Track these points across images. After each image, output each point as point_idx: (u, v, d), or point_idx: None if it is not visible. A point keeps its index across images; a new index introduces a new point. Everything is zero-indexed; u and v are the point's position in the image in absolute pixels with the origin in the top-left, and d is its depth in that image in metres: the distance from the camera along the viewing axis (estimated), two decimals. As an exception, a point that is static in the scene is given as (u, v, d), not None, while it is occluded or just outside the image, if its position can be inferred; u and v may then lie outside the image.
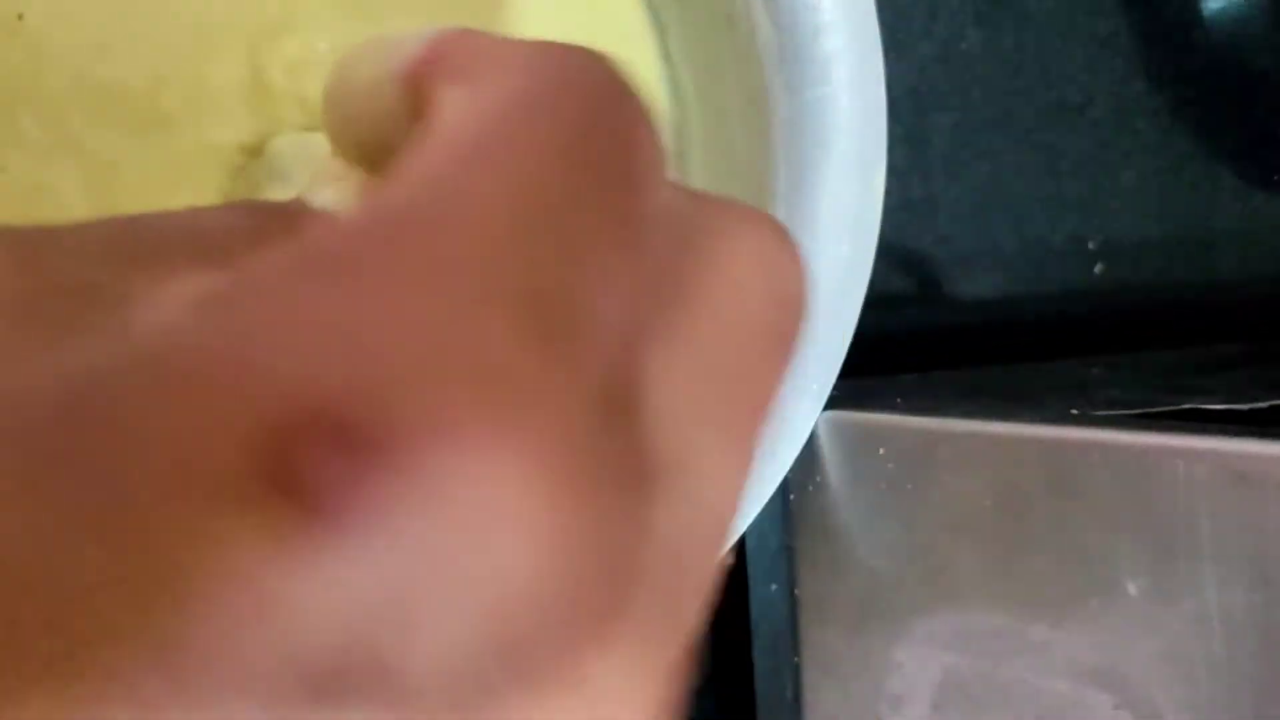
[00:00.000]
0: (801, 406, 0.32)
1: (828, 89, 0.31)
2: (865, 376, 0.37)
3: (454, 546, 0.08)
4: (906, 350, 0.44)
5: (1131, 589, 0.26)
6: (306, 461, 0.08)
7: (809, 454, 0.34)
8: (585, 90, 0.12)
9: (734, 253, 0.12)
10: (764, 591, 0.35)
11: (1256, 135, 0.50)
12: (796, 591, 0.33)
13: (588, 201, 0.10)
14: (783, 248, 0.13)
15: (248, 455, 0.08)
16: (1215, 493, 0.25)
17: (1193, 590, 0.26)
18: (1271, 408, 0.30)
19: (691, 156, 0.38)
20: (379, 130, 0.14)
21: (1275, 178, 0.50)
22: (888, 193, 0.45)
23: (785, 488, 0.35)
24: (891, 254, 0.45)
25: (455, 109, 0.12)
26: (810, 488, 0.33)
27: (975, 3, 0.45)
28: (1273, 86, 0.50)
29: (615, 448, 0.10)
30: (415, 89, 0.13)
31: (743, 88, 0.34)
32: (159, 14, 0.34)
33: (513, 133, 0.11)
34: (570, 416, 0.09)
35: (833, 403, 0.32)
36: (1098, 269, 0.47)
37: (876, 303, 0.45)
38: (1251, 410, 0.29)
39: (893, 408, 0.32)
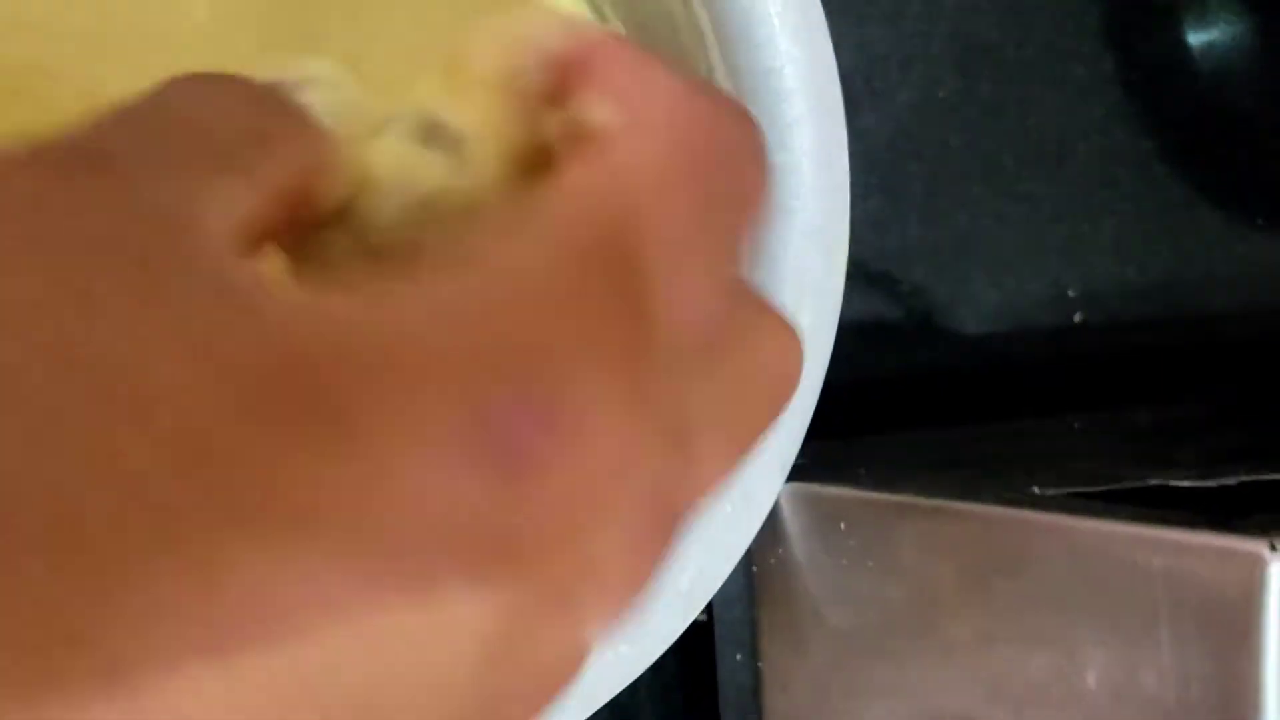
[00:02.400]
0: (765, 479, 0.31)
1: (789, 157, 0.31)
2: (836, 438, 0.37)
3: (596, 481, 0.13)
4: (882, 400, 0.44)
5: (1091, 680, 0.26)
6: (515, 426, 0.12)
7: (773, 526, 0.33)
8: (727, 155, 0.16)
9: (767, 343, 0.17)
10: (730, 660, 0.34)
11: (1240, 179, 0.49)
12: (760, 663, 0.33)
13: (709, 261, 0.15)
14: (795, 348, 0.18)
15: (471, 420, 0.12)
16: (1172, 585, 0.24)
17: (1152, 682, 0.25)
18: (1240, 485, 0.29)
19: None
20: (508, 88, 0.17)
21: (1259, 221, 0.50)
22: (865, 242, 0.45)
23: (749, 559, 0.34)
24: (867, 303, 0.45)
25: (625, 150, 0.15)
26: (773, 560, 0.32)
27: (953, 51, 0.44)
28: (1256, 130, 0.50)
29: (668, 423, 0.14)
30: (564, 82, 0.16)
31: (707, 150, 0.33)
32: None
33: (670, 191, 0.15)
34: (649, 412, 0.13)
35: (797, 472, 0.32)
36: (1077, 317, 0.47)
37: (852, 352, 0.44)
38: (1219, 487, 0.29)
39: (856, 480, 0.31)
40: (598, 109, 0.16)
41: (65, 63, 0.34)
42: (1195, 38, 0.49)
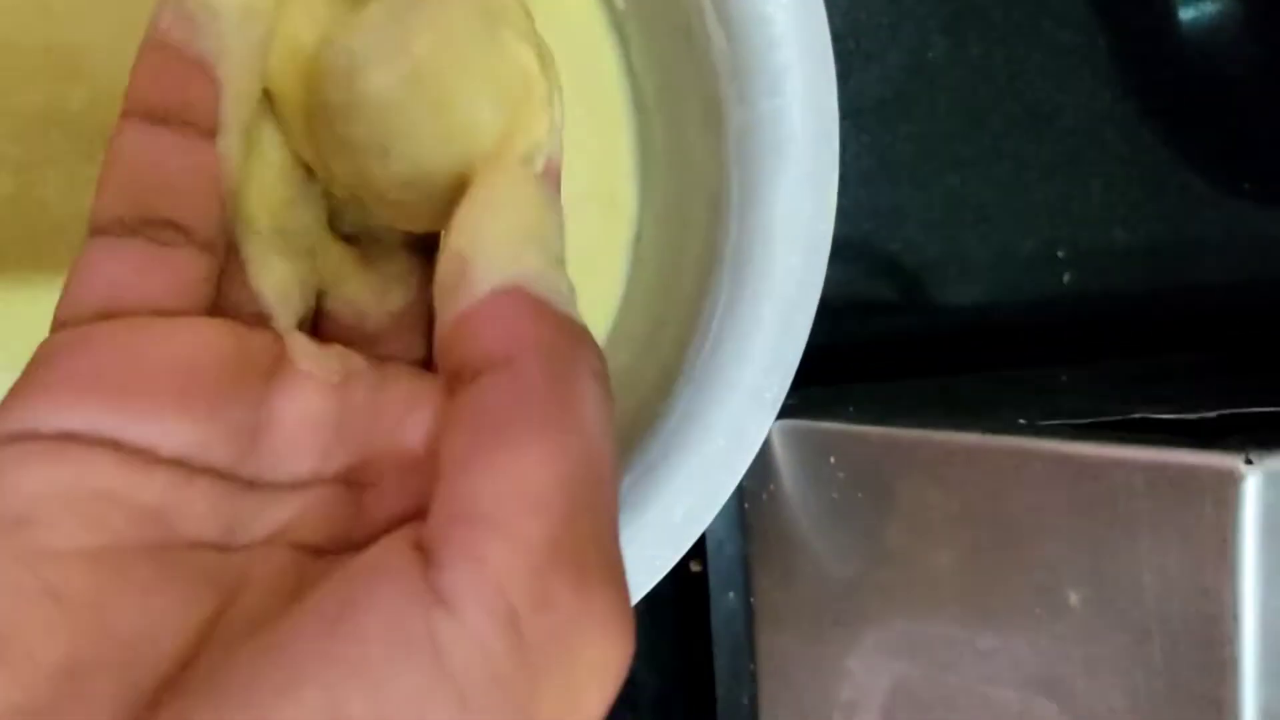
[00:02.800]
0: (756, 415, 0.32)
1: (780, 101, 0.32)
2: (827, 385, 0.37)
3: None
4: (873, 358, 0.45)
5: (1073, 599, 0.26)
6: None
7: (763, 462, 0.34)
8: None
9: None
10: (723, 599, 0.35)
11: (1226, 144, 0.50)
12: (752, 600, 0.33)
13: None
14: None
15: None
16: (1153, 503, 0.25)
17: (1132, 601, 0.26)
18: (1219, 417, 0.30)
19: (654, 167, 0.39)
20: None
21: (1245, 186, 0.50)
22: (857, 202, 0.45)
23: (741, 496, 0.35)
24: (859, 262, 0.45)
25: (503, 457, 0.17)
26: (764, 496, 0.33)
27: (941, 13, 0.45)
28: (1243, 95, 0.50)
29: None
30: (460, 339, 0.19)
31: (700, 99, 0.34)
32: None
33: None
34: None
35: (787, 411, 0.32)
36: (1066, 278, 0.47)
37: (844, 310, 0.45)
38: (1199, 419, 0.30)
39: (845, 416, 0.32)
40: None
41: (85, 47, 0.35)
42: (1184, 11, 0.50)
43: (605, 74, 0.39)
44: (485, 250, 0.19)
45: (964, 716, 0.29)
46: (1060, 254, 0.47)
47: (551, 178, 0.22)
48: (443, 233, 0.21)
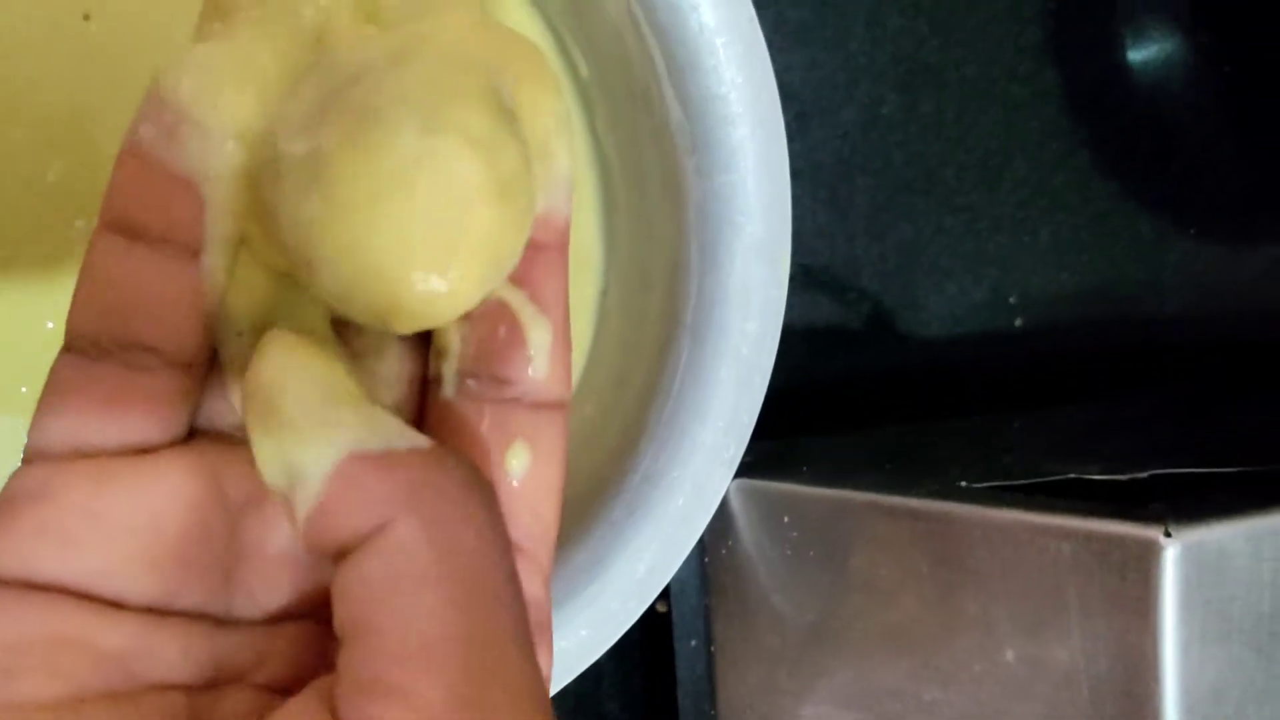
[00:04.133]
0: (715, 474, 0.33)
1: (735, 175, 0.33)
2: (782, 438, 0.39)
3: None
4: (830, 407, 0.46)
5: (1010, 656, 0.28)
6: None
7: (722, 519, 0.35)
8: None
9: None
10: (686, 646, 0.36)
11: (1173, 190, 0.52)
12: (713, 648, 0.35)
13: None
14: None
15: None
16: (1081, 570, 0.27)
17: (1064, 660, 0.27)
18: (1151, 478, 0.32)
19: (618, 225, 0.40)
20: None
21: (1192, 231, 0.52)
22: (813, 252, 0.47)
23: (701, 549, 0.36)
24: (817, 312, 0.47)
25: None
26: (723, 550, 0.34)
27: (894, 72, 0.47)
28: (1188, 143, 0.52)
29: None
30: (326, 532, 0.18)
31: (660, 167, 0.36)
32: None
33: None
34: None
35: (744, 469, 0.34)
36: (1018, 322, 0.49)
37: (802, 360, 0.47)
38: (1131, 480, 0.31)
39: (798, 476, 0.33)
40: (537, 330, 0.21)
41: (53, 82, 0.36)
42: (1133, 55, 0.51)
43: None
44: (298, 438, 0.18)
45: (910, 764, 0.31)
46: (1011, 300, 0.49)
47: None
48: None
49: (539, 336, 0.20)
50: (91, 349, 0.18)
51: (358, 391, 0.18)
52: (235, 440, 0.20)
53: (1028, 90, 0.49)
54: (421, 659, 0.16)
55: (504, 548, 0.17)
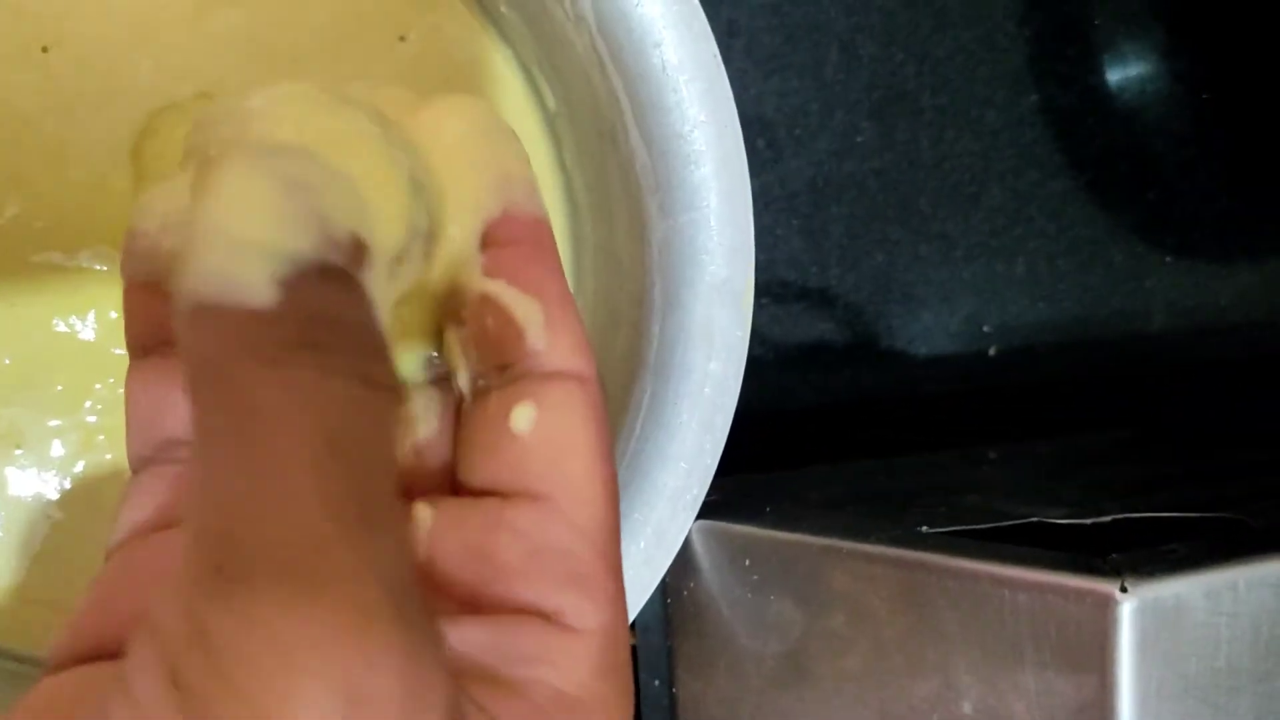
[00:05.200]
0: (677, 516, 0.33)
1: (697, 214, 0.33)
2: (750, 472, 0.39)
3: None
4: (801, 438, 0.46)
5: (967, 708, 0.28)
6: None
7: (686, 559, 0.35)
8: None
9: None
10: (649, 686, 0.36)
11: (1148, 218, 0.52)
12: (675, 689, 0.35)
13: None
14: None
15: None
16: (1037, 622, 0.27)
17: (1020, 710, 0.27)
18: (1114, 523, 0.31)
19: (585, 260, 0.40)
20: None
21: (1168, 259, 0.52)
22: (787, 281, 0.47)
23: (664, 591, 0.36)
24: (791, 340, 0.47)
25: None
26: (685, 592, 0.34)
27: (870, 100, 0.46)
28: (1163, 170, 0.52)
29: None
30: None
31: (626, 203, 0.35)
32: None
33: None
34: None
35: (708, 508, 0.33)
36: (992, 351, 0.49)
37: (776, 390, 0.46)
38: (1094, 525, 0.31)
39: (760, 518, 0.33)
40: (523, 307, 0.20)
41: (10, 115, 0.36)
42: (1110, 82, 0.51)
43: (537, 168, 0.40)
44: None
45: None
46: (986, 329, 0.49)
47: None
48: None
49: (526, 313, 0.20)
50: (148, 463, 0.20)
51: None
52: None
53: (1003, 118, 0.49)
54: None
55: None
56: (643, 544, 0.33)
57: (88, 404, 0.37)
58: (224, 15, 0.37)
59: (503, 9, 0.38)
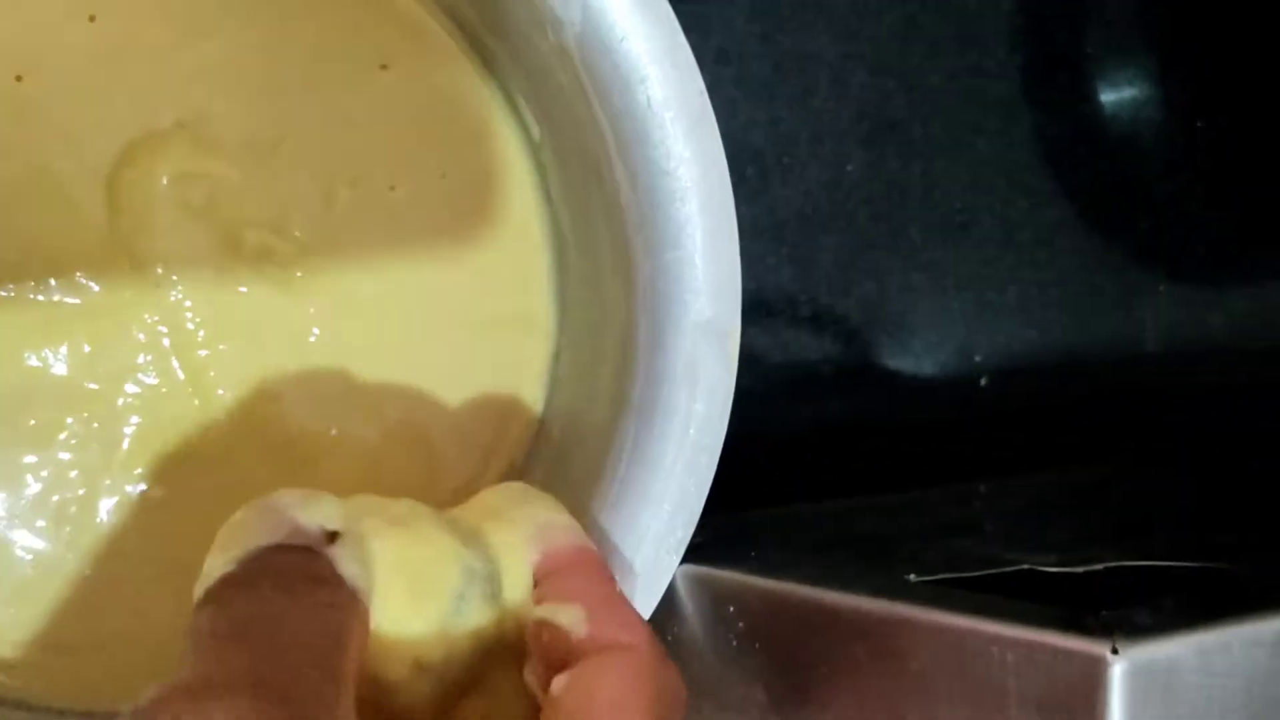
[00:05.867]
0: (661, 560, 0.33)
1: (682, 253, 0.32)
2: (737, 510, 0.38)
3: None
4: (791, 471, 0.45)
5: (952, 767, 0.27)
6: None
7: (670, 604, 0.34)
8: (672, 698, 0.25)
9: None
10: (632, 730, 0.35)
11: (1140, 246, 0.51)
12: (659, 736, 0.34)
13: None
14: None
15: None
16: (1024, 681, 0.26)
17: (1008, 770, 0.26)
18: (1106, 570, 0.31)
19: (570, 292, 0.39)
20: None
21: (1161, 288, 0.52)
22: (777, 311, 0.46)
23: (648, 634, 0.35)
24: (781, 372, 0.46)
25: (596, 672, 0.24)
26: (669, 637, 0.33)
27: (860, 129, 0.46)
28: (1156, 198, 0.52)
29: None
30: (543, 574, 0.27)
31: (610, 239, 0.35)
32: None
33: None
34: None
35: (693, 551, 0.33)
36: (984, 382, 0.48)
37: (766, 421, 0.46)
38: (1086, 573, 0.31)
39: (745, 563, 0.33)
40: (566, 614, 0.25)
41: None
42: (1101, 109, 0.51)
43: (523, 198, 0.39)
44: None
45: None
46: (978, 358, 0.48)
47: None
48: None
49: (570, 618, 0.25)
50: None
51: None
52: None
53: (994, 146, 0.48)
54: None
55: None
56: (626, 588, 0.32)
57: (61, 438, 0.36)
58: (203, 45, 0.36)
59: (487, 40, 0.37)
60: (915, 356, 0.47)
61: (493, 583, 0.26)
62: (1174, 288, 0.51)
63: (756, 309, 0.44)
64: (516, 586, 0.26)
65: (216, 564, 0.23)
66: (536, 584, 0.26)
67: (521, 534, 0.27)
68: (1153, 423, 0.50)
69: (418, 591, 0.24)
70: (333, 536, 0.24)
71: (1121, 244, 0.51)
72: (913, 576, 0.30)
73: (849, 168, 0.46)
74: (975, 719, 0.27)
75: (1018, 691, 0.26)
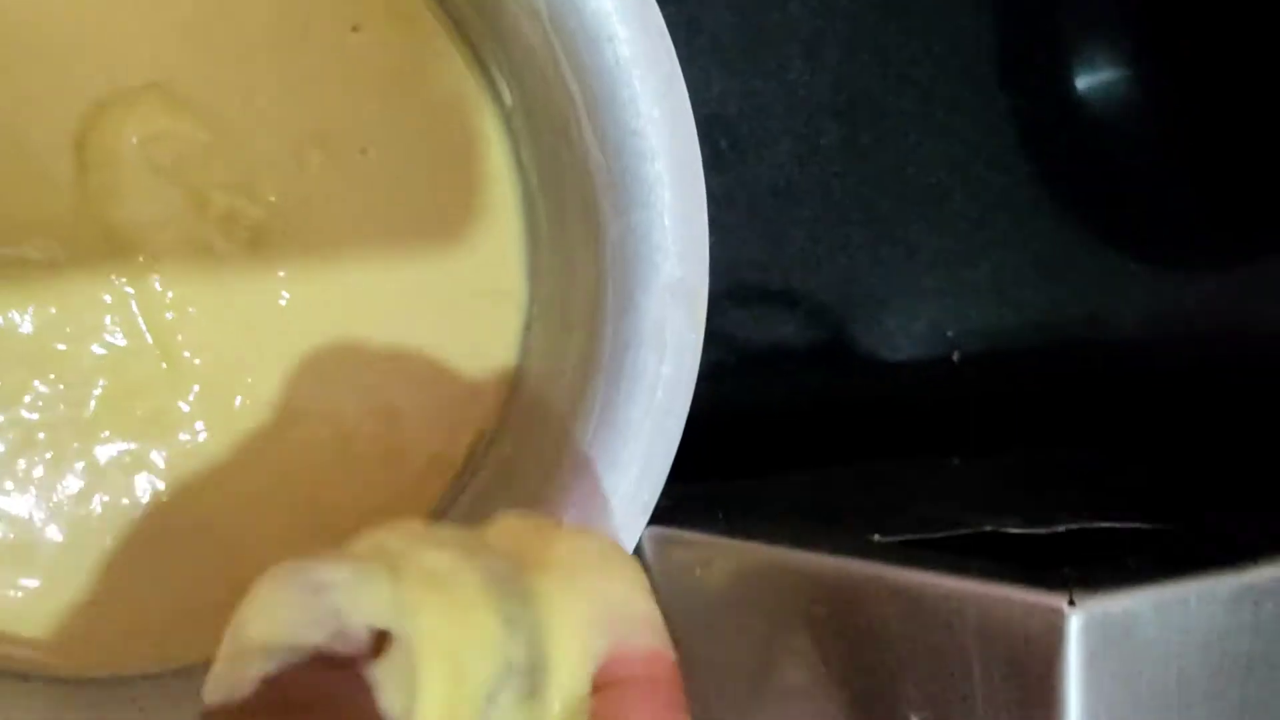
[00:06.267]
0: (630, 521, 0.32)
1: (650, 213, 0.32)
2: (707, 479, 0.38)
3: None
4: (761, 443, 0.45)
5: (914, 720, 0.27)
6: None
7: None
8: None
9: None
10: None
11: (1114, 225, 0.51)
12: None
13: None
14: None
15: None
16: (984, 635, 0.26)
17: (968, 725, 0.27)
18: (1067, 533, 0.31)
19: (541, 259, 0.39)
20: None
21: (1133, 266, 0.52)
22: (748, 284, 0.46)
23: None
24: (751, 345, 0.46)
25: None
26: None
27: (834, 102, 0.46)
28: (1131, 178, 0.52)
29: None
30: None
31: (580, 203, 0.35)
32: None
33: None
34: None
35: (663, 514, 0.33)
36: (955, 357, 0.48)
37: (733, 395, 0.46)
38: (1049, 534, 0.31)
39: (713, 524, 0.33)
40: None
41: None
42: (1077, 88, 0.51)
43: (495, 164, 0.39)
44: None
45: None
46: (950, 334, 0.48)
47: None
48: None
49: None
50: None
51: None
52: None
53: (969, 123, 0.48)
54: None
55: None
56: (592, 549, 0.32)
57: (27, 399, 0.36)
58: (175, 5, 0.36)
59: (459, 1, 0.37)
60: (887, 331, 0.48)
61: (535, 677, 0.21)
62: (1148, 267, 0.52)
63: (729, 282, 0.44)
64: (565, 687, 0.21)
65: (240, 652, 0.18)
66: (595, 690, 0.21)
67: (588, 615, 0.21)
68: (1125, 400, 0.50)
69: (455, 697, 0.20)
70: (380, 640, 0.19)
71: (1097, 221, 0.51)
72: (877, 537, 0.30)
73: (823, 141, 0.46)
74: (936, 674, 0.27)
75: (979, 649, 0.26)
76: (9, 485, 0.36)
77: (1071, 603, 0.25)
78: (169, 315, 0.36)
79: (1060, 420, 0.49)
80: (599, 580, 0.22)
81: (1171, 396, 0.50)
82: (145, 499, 0.36)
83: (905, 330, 0.48)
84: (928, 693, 0.27)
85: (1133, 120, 0.51)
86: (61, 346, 0.36)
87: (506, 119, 0.39)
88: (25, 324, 0.36)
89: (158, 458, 0.37)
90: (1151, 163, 0.52)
